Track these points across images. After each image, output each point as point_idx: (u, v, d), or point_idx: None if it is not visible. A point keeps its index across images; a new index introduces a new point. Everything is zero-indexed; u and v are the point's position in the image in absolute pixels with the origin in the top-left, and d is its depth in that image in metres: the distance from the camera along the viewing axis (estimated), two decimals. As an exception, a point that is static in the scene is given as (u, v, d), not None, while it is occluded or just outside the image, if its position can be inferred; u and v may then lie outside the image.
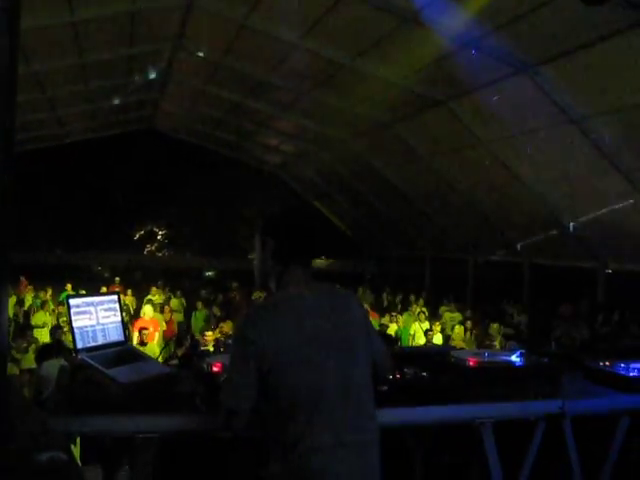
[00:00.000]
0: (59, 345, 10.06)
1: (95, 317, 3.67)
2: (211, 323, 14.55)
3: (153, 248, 28.88)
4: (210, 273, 27.75)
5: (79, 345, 3.51)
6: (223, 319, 14.26)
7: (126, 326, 4.01)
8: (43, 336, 13.26)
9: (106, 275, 25.32)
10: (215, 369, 3.43)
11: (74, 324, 3.54)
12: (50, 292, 17.37)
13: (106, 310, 3.76)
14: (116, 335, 3.78)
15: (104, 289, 18.15)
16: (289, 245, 2.97)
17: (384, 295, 20.82)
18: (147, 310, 14.16)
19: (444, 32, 9.89)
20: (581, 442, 3.89)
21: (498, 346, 12.34)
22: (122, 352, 3.71)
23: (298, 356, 2.69)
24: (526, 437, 3.85)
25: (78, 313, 3.58)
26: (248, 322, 2.86)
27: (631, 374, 4.15)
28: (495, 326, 14.15)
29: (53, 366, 9.44)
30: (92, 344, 3.59)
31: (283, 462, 2.68)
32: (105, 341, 3.69)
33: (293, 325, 2.74)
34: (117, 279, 19.98)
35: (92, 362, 3.39)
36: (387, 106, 14.36)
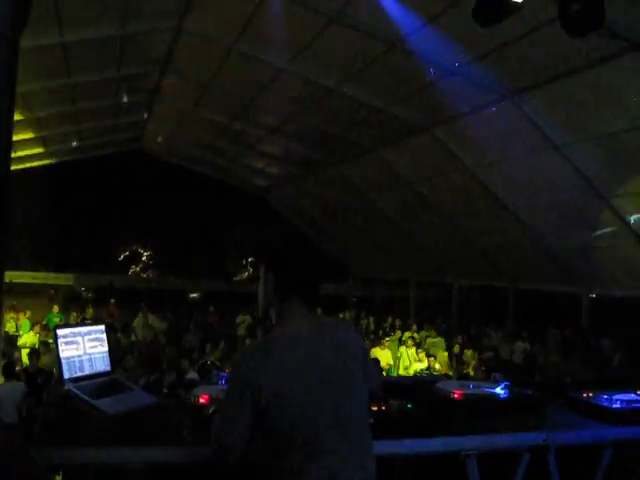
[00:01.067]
0: (10, 367, 10.01)
1: (82, 347, 3.69)
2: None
3: (138, 269, 28.77)
4: (195, 295, 27.66)
5: (66, 375, 3.52)
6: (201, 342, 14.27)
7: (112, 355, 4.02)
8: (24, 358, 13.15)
9: (90, 295, 25.21)
10: (202, 401, 3.44)
11: (61, 354, 3.56)
12: (29, 314, 17.27)
13: (93, 340, 3.78)
14: (103, 365, 3.80)
15: (90, 310, 18.10)
16: (290, 280, 2.94)
17: (370, 319, 20.84)
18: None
19: (429, 59, 10.03)
20: (565, 473, 3.91)
21: (472, 372, 12.34)
22: (108, 382, 3.73)
23: (295, 395, 2.67)
24: (511, 469, 3.86)
25: (66, 343, 3.60)
26: (245, 360, 2.85)
27: (614, 406, 4.17)
28: (469, 352, 14.16)
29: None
30: (79, 374, 3.60)
31: None
32: (92, 371, 3.70)
33: (290, 364, 2.72)
34: (113, 301, 19.84)
35: (78, 392, 3.40)
36: (372, 130, 14.47)
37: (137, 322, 16.94)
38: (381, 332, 17.90)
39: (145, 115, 18.80)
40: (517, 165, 12.46)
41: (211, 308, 20.98)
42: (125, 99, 16.08)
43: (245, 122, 16.65)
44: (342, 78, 12.07)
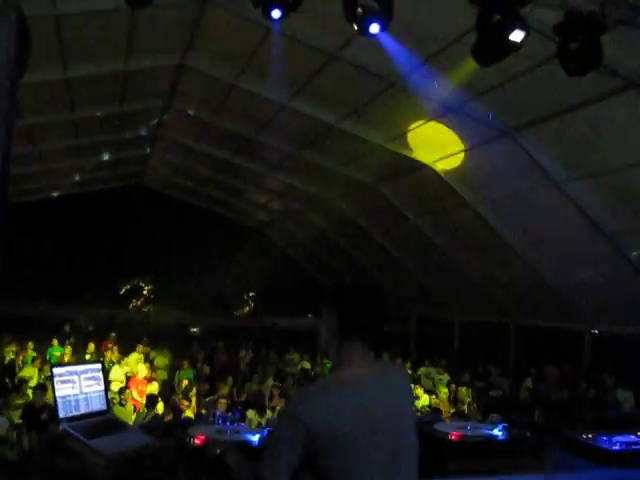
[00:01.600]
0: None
1: (78, 386, 3.66)
2: (193, 383, 14.37)
3: (139, 303, 28.68)
4: (195, 329, 27.52)
5: (61, 414, 3.49)
6: (210, 379, 14.13)
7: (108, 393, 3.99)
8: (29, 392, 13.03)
9: (90, 329, 25.09)
10: (197, 442, 3.39)
11: (57, 393, 3.53)
12: (32, 346, 17.18)
13: (89, 379, 3.75)
14: (99, 404, 3.76)
15: (92, 345, 17.99)
16: (356, 323, 2.89)
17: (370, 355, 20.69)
18: (141, 369, 14.09)
19: (429, 97, 10.09)
20: None
21: (467, 410, 12.24)
22: (104, 422, 3.69)
23: (349, 441, 2.64)
24: None
25: (62, 382, 3.57)
26: (301, 400, 2.82)
27: (614, 447, 4.11)
28: (464, 390, 14.04)
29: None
30: (74, 413, 3.56)
31: None
32: (87, 410, 3.66)
33: (348, 409, 2.68)
34: (113, 335, 19.69)
35: (74, 432, 3.36)
36: (373, 167, 14.54)
37: (133, 357, 16.82)
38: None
39: (147, 150, 18.89)
40: (518, 201, 12.47)
41: (220, 343, 20.68)
42: (127, 134, 16.20)
43: (246, 158, 16.73)
44: (342, 115, 12.15)
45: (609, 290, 12.78)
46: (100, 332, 21.82)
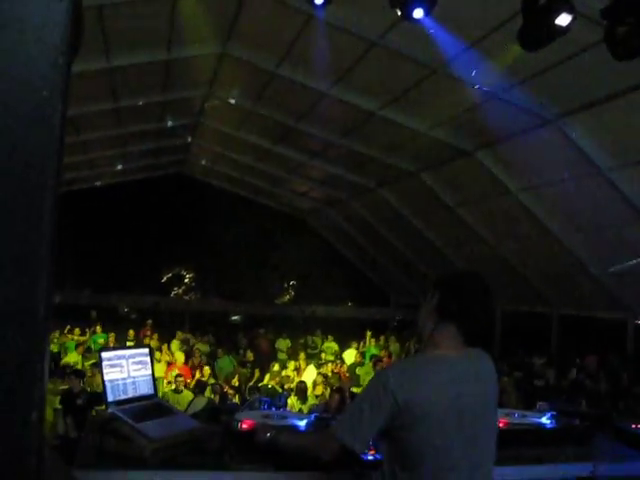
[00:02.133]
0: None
1: (126, 370, 3.71)
2: (237, 369, 14.48)
3: (180, 291, 28.95)
4: (236, 318, 27.70)
5: (110, 398, 3.54)
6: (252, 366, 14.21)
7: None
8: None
9: (133, 317, 25.41)
10: (244, 426, 3.41)
11: (105, 377, 3.57)
12: (78, 332, 17.49)
13: (137, 363, 3.80)
14: (146, 388, 3.81)
15: (131, 332, 18.21)
16: (451, 304, 2.93)
17: (410, 343, 20.64)
18: (179, 357, 14.20)
19: (472, 83, 9.99)
20: None
21: (509, 400, 12.13)
22: (152, 406, 3.73)
23: (433, 417, 2.70)
24: None
25: (110, 366, 3.62)
26: (392, 371, 2.89)
27: (664, 438, 4.05)
28: (505, 379, 13.89)
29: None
30: (122, 397, 3.62)
31: None
32: (135, 394, 3.71)
33: (434, 386, 2.76)
34: (149, 322, 19.89)
35: (122, 416, 3.40)
36: (414, 155, 14.46)
37: (174, 344, 17.00)
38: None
39: (189, 138, 19.01)
40: (561, 190, 12.32)
41: (261, 330, 20.79)
42: (169, 123, 16.32)
43: (287, 146, 16.75)
44: (384, 102, 12.09)
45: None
46: (142, 320, 22.08)
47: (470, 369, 2.88)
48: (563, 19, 5.78)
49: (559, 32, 5.89)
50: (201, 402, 10.64)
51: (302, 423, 3.38)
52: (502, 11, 7.83)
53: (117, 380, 3.61)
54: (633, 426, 4.23)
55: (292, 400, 12.45)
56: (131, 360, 3.75)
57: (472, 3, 8.04)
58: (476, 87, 10.15)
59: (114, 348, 4.21)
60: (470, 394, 2.79)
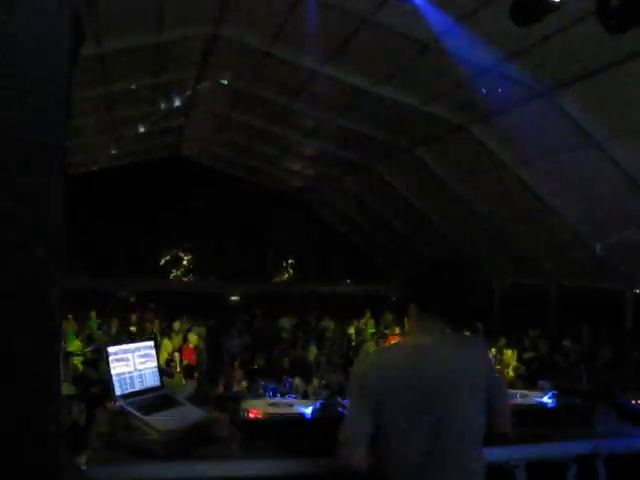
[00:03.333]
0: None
1: (132, 364, 3.75)
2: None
3: (179, 273, 28.98)
4: (236, 298, 27.75)
5: (117, 392, 3.57)
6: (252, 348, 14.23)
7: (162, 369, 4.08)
8: (78, 365, 13.28)
9: (132, 300, 25.46)
10: (251, 415, 3.43)
11: (112, 372, 3.61)
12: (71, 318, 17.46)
13: (143, 356, 3.83)
14: (153, 381, 3.84)
15: (134, 316, 18.24)
16: (429, 296, 3.04)
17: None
18: (193, 339, 14.32)
19: (463, 58, 9.94)
20: None
21: (512, 373, 12.17)
22: (159, 398, 3.77)
23: (400, 398, 2.81)
24: (559, 478, 3.80)
25: (116, 360, 3.65)
26: (364, 361, 3.27)
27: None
28: (509, 353, 13.91)
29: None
30: (130, 390, 3.65)
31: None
32: (142, 387, 3.75)
33: (400, 371, 2.86)
34: (151, 306, 19.87)
35: (130, 409, 3.44)
36: (408, 131, 14.42)
37: (177, 327, 17.02)
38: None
39: (182, 120, 18.95)
40: (557, 162, 12.31)
41: (258, 312, 20.79)
42: (162, 106, 16.24)
43: (281, 125, 16.70)
44: (376, 79, 12.05)
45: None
46: (141, 303, 22.11)
47: (444, 355, 2.93)
48: (554, -5, 5.76)
49: (551, 7, 5.86)
50: (191, 386, 10.70)
51: (308, 410, 3.41)
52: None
53: (124, 374, 3.65)
54: (633, 402, 4.25)
55: (298, 381, 12.52)
56: (137, 353, 3.79)
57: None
58: (468, 61, 10.10)
59: (119, 342, 4.22)
60: (437, 379, 2.84)
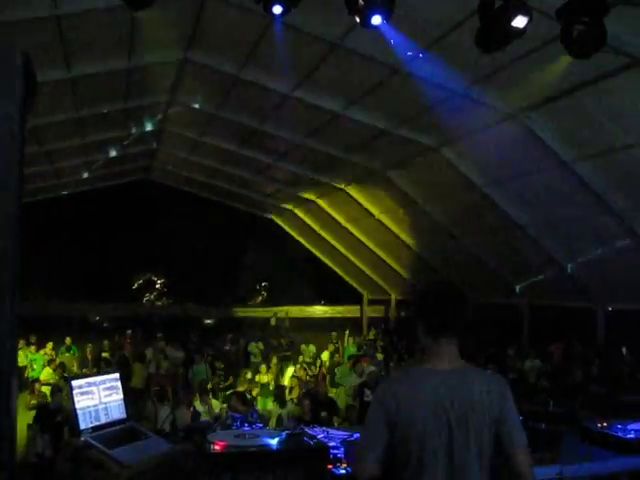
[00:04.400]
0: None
1: (97, 397, 3.68)
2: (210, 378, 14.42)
3: (152, 297, 28.78)
4: (210, 321, 27.61)
5: (82, 426, 3.50)
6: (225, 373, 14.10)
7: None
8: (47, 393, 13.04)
9: (105, 325, 25.22)
10: (217, 448, 3.39)
11: (77, 405, 3.54)
12: (51, 346, 17.24)
13: (108, 389, 3.76)
14: (118, 413, 3.78)
15: (106, 342, 18.06)
16: (432, 320, 3.21)
17: (384, 341, 20.71)
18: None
19: (432, 82, 10.05)
20: None
21: None
22: (125, 430, 3.71)
23: (414, 420, 2.96)
24: None
25: (81, 394, 3.58)
26: (383, 386, 3.30)
27: (628, 436, 4.09)
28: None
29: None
30: (95, 424, 3.58)
31: None
32: (107, 420, 3.68)
33: (416, 394, 3.02)
34: (129, 332, 19.58)
35: (95, 443, 3.37)
36: (379, 153, 14.51)
37: (149, 353, 16.85)
38: (395, 355, 17.74)
39: (154, 144, 18.91)
40: (526, 183, 12.45)
41: (229, 336, 20.58)
42: (134, 130, 16.21)
43: (253, 148, 16.72)
44: (347, 102, 12.13)
45: (620, 268, 12.75)
46: (114, 328, 21.91)
47: (452, 382, 3.05)
48: (519, 21, 5.86)
49: (516, 34, 5.96)
50: (165, 412, 10.61)
51: (274, 442, 3.39)
52: (458, 11, 7.91)
53: (89, 407, 3.58)
54: (599, 425, 4.28)
55: (271, 405, 12.45)
56: (102, 386, 3.72)
57: (428, 4, 8.09)
58: (437, 85, 10.20)
59: (84, 376, 4.14)
60: (447, 403, 2.97)
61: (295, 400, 12.31)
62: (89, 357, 17.16)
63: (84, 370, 15.93)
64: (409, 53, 9.16)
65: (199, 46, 11.39)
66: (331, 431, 4.27)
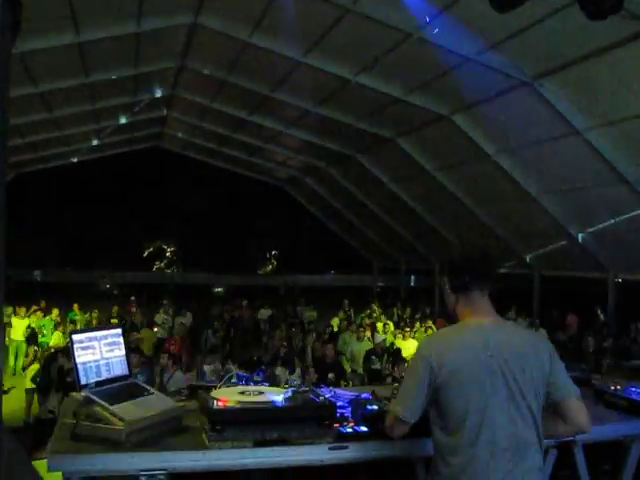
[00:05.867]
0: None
1: (99, 352, 3.63)
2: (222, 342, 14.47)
3: (162, 265, 28.87)
4: (219, 289, 27.71)
5: (82, 381, 3.45)
6: (230, 338, 14.13)
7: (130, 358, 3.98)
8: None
9: (115, 292, 25.34)
10: (220, 404, 3.37)
11: (77, 360, 3.48)
12: (57, 312, 17.32)
13: (109, 344, 3.72)
14: (120, 369, 3.73)
15: (115, 308, 18.14)
16: (464, 275, 3.14)
17: (394, 310, 20.69)
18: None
19: (445, 47, 9.92)
20: (592, 468, 3.85)
21: None
22: (127, 387, 3.66)
23: (469, 379, 2.89)
24: None
25: (82, 348, 3.55)
26: (428, 342, 3.24)
27: (644, 398, 4.06)
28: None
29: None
30: (96, 379, 3.55)
31: (447, 466, 2.91)
32: (109, 376, 3.64)
33: (466, 348, 2.96)
34: (132, 298, 19.74)
35: (96, 398, 3.33)
36: (390, 121, 14.40)
37: (159, 318, 16.95)
38: (402, 323, 17.72)
39: (164, 111, 18.84)
40: (538, 151, 12.34)
41: (244, 302, 20.73)
42: (143, 96, 16.14)
43: (263, 116, 16.64)
44: (358, 69, 12.00)
45: (632, 238, 12.67)
46: (125, 296, 22.02)
47: (509, 335, 3.05)
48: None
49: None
50: (179, 376, 10.68)
51: (279, 398, 3.37)
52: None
53: (90, 362, 3.54)
54: (612, 388, 4.25)
55: (280, 370, 12.47)
56: (103, 341, 3.68)
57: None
58: (450, 51, 10.07)
59: (85, 330, 4.11)
60: (501, 357, 2.91)
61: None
62: (94, 323, 17.21)
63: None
64: (426, 19, 9.01)
65: (209, 11, 11.29)
66: (338, 391, 4.25)
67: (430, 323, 16.39)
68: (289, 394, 3.41)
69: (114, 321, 16.93)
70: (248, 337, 15.52)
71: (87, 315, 17.47)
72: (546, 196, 13.59)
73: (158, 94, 16.36)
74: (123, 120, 17.97)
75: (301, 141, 18.44)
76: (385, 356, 12.95)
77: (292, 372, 11.76)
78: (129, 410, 3.32)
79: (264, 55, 12.29)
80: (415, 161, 15.79)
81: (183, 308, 18.10)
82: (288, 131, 17.49)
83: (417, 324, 16.64)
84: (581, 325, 15.21)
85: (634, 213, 12.07)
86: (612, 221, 12.73)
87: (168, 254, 29.02)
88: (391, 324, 17.09)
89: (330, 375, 10.50)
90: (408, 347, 13.80)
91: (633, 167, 11.07)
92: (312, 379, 10.44)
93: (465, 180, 15.43)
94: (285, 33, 10.96)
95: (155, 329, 16.02)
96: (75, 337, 3.57)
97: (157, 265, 28.71)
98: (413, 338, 14.69)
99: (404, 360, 11.11)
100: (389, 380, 10.22)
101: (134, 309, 18.42)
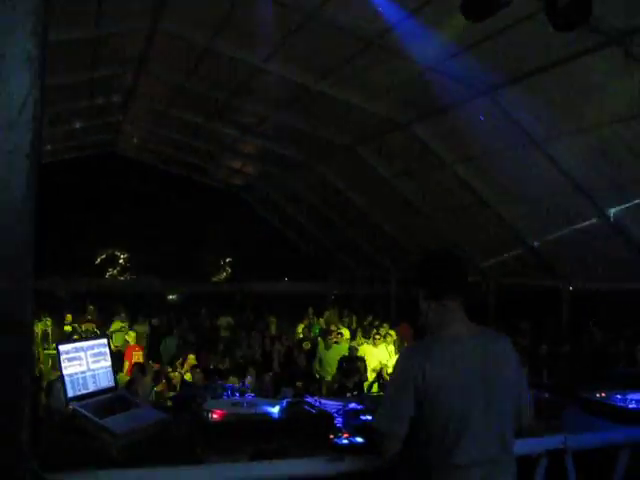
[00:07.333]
0: None
1: (85, 363, 3.51)
2: (182, 351, 14.28)
3: (115, 272, 28.44)
4: (173, 297, 27.43)
5: (70, 394, 3.33)
6: (197, 348, 14.04)
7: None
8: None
9: (67, 300, 24.85)
10: (216, 416, 3.27)
11: (64, 372, 3.37)
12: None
13: (96, 355, 3.60)
14: (106, 381, 3.62)
15: (69, 317, 17.81)
16: (439, 282, 3.14)
17: (352, 317, 20.70)
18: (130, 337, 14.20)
19: (407, 55, 9.93)
20: (582, 475, 3.87)
21: None
22: (115, 399, 3.55)
23: (451, 389, 2.92)
24: (527, 474, 3.79)
25: (68, 360, 3.42)
26: (408, 354, 3.22)
27: (630, 406, 4.12)
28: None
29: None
30: (83, 392, 3.42)
31: (427, 478, 2.94)
32: (96, 388, 3.53)
33: (449, 360, 2.98)
34: (91, 307, 19.42)
35: (84, 412, 3.21)
36: (350, 128, 14.39)
37: (114, 328, 16.70)
38: (361, 331, 17.74)
39: (120, 117, 18.58)
40: (497, 161, 12.44)
41: (203, 310, 20.63)
42: (99, 101, 15.89)
43: (221, 122, 16.50)
44: (319, 76, 11.96)
45: (587, 247, 12.83)
46: (77, 303, 21.64)
47: (479, 346, 3.05)
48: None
49: (504, 3, 5.84)
50: (149, 386, 10.49)
51: (275, 410, 3.31)
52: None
53: (76, 374, 3.42)
54: (598, 395, 4.28)
55: (233, 380, 12.37)
56: (89, 352, 3.56)
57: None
58: (411, 59, 10.09)
59: (72, 341, 3.98)
60: (479, 368, 2.96)
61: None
62: (49, 331, 16.86)
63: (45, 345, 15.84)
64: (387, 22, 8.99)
65: (168, 15, 11.10)
66: (323, 400, 4.21)
67: (387, 329, 16.34)
68: (284, 405, 3.37)
69: (67, 328, 16.66)
70: (210, 345, 15.35)
71: (41, 324, 17.10)
72: (503, 205, 13.71)
73: (114, 99, 16.14)
74: (77, 125, 17.69)
75: (258, 148, 18.36)
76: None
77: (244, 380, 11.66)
78: (119, 423, 3.21)
79: (223, 61, 12.16)
80: (373, 169, 15.80)
81: (140, 316, 17.88)
82: (245, 138, 17.40)
83: (374, 331, 16.63)
84: (533, 332, 15.37)
85: (588, 222, 12.24)
86: (567, 230, 12.88)
87: (121, 261, 28.57)
88: (347, 331, 17.07)
89: (298, 383, 10.42)
90: (376, 354, 13.85)
91: (589, 177, 11.22)
92: (268, 385, 10.37)
93: (423, 189, 15.48)
94: (246, 38, 10.88)
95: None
96: (62, 348, 3.46)
97: (110, 272, 28.25)
98: (375, 346, 14.70)
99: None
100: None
101: (91, 318, 18.12)
